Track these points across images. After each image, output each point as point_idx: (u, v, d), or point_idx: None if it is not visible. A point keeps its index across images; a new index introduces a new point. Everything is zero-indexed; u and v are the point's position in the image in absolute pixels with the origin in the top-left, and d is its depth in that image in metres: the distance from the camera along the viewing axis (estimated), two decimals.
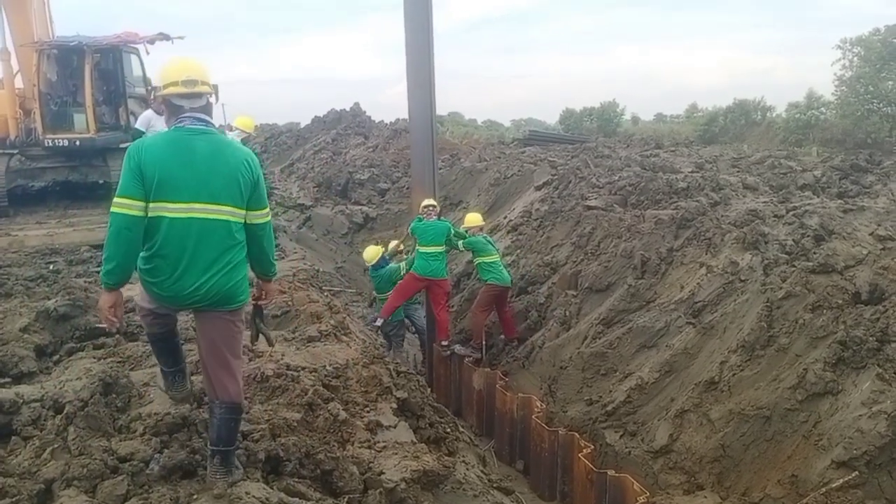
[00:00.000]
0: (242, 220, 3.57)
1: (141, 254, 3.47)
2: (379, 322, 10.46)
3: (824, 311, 6.65)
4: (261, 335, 4.25)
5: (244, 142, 10.03)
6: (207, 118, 3.54)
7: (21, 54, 14.34)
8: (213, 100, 3.64)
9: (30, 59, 14.10)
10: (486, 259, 10.22)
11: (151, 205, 3.36)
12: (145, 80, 14.45)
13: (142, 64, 14.87)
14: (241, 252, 3.61)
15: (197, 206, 3.39)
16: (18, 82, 14.73)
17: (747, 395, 6.51)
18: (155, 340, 4.06)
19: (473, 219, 10.93)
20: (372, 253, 11.45)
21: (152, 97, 10.64)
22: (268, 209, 3.74)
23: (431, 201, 10.49)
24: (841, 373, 6.09)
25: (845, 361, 6.11)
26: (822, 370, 6.12)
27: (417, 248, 10.38)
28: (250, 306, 4.06)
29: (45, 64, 14.20)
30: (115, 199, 3.35)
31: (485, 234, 11.05)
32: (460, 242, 10.47)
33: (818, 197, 10.45)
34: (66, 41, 14.31)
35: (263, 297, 4.09)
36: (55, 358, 5.69)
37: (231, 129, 10.10)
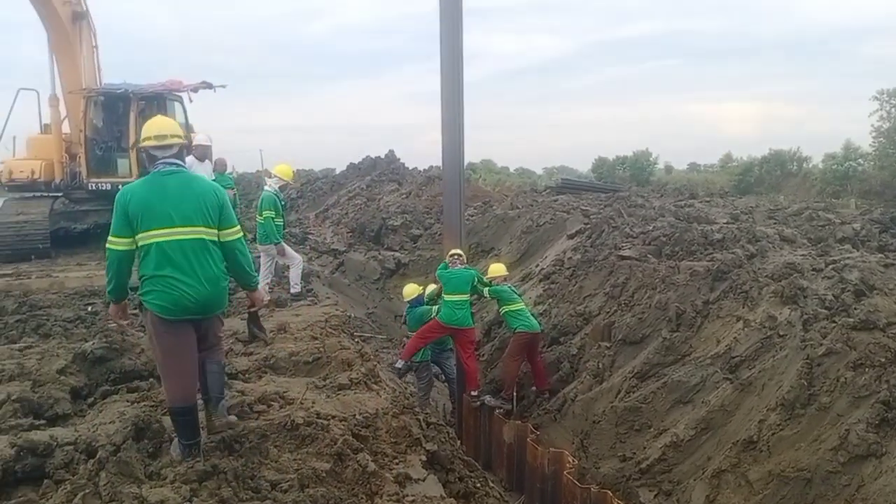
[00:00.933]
0: (216, 238, 4.39)
1: (141, 281, 4.27)
2: (399, 364, 10.43)
3: (866, 369, 6.47)
4: (256, 337, 5.58)
5: (282, 189, 10.23)
6: (178, 161, 4.44)
7: (69, 101, 14.88)
8: (185, 147, 4.70)
9: (77, 105, 14.62)
10: (513, 307, 10.19)
11: (141, 235, 4.21)
12: (188, 127, 14.84)
13: (185, 111, 15.31)
14: (219, 265, 4.40)
15: (176, 229, 4.21)
16: (65, 127, 15.23)
17: (787, 456, 6.31)
18: (177, 414, 4.38)
19: (497, 269, 10.93)
20: (409, 290, 11.69)
21: (193, 144, 10.95)
22: (238, 227, 4.56)
23: (458, 251, 10.57)
24: (885, 434, 5.89)
25: (889, 423, 5.92)
26: (864, 431, 5.92)
27: (443, 295, 10.42)
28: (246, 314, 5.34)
29: (92, 110, 14.70)
30: (109, 238, 4.27)
31: (510, 284, 11.03)
32: (486, 290, 10.46)
33: (858, 250, 10.25)
34: (113, 88, 14.81)
35: (254, 305, 5.17)
36: (90, 400, 5.73)
37: (270, 176, 10.33)
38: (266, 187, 10.27)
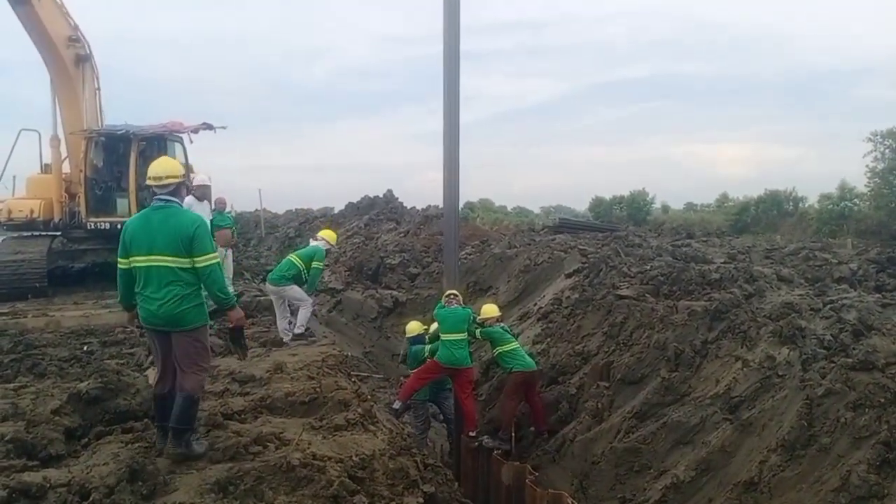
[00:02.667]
0: (185, 265, 5.00)
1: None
2: (397, 405, 10.34)
3: (866, 409, 6.44)
4: (237, 351, 5.77)
5: (327, 252, 10.77)
6: (170, 198, 5.17)
7: (70, 141, 14.99)
8: (183, 184, 5.40)
9: (78, 146, 14.72)
10: (506, 348, 10.17)
11: (131, 258, 5.07)
12: (188, 168, 14.91)
13: (185, 152, 15.40)
14: (186, 288, 5.01)
15: (152, 257, 4.98)
16: (65, 167, 15.32)
17: (789, 498, 6.25)
18: (153, 399, 5.36)
19: (490, 310, 10.90)
20: (411, 326, 11.91)
21: (193, 184, 11.03)
22: (208, 255, 5.05)
23: (453, 291, 10.65)
24: (886, 475, 5.84)
25: (890, 463, 5.88)
26: (866, 472, 5.87)
27: (440, 335, 10.38)
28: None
29: (93, 151, 14.79)
30: (117, 259, 5.20)
31: (502, 325, 11.00)
32: (478, 332, 10.44)
33: (855, 290, 10.27)
34: (114, 129, 14.92)
35: (232, 322, 5.49)
36: (84, 441, 5.67)
37: (316, 239, 10.80)
38: (316, 244, 10.62)
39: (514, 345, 10.30)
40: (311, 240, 11.29)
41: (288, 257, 10.61)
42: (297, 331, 10.13)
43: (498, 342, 10.28)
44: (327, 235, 10.92)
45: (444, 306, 10.43)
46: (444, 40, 10.64)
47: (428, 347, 11.08)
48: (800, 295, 9.68)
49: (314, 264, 10.20)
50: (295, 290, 10.08)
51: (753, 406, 7.47)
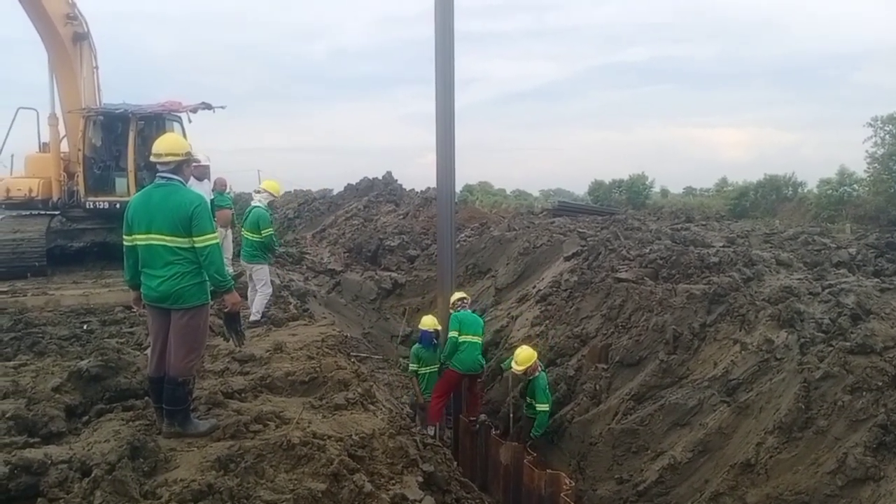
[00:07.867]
0: (183, 244, 4.95)
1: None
2: (430, 430, 9.93)
3: (864, 393, 6.48)
4: (231, 337, 5.65)
5: (270, 205, 10.07)
6: (171, 176, 5.12)
7: (69, 120, 14.88)
8: (187, 163, 5.30)
9: (77, 124, 14.62)
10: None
11: (133, 236, 5.05)
12: None
13: (184, 131, 15.27)
14: (184, 266, 4.97)
15: (151, 235, 4.96)
16: (64, 146, 15.24)
17: (785, 479, 6.30)
18: (148, 382, 5.34)
19: (529, 356, 9.63)
20: (426, 321, 10.98)
21: (192, 164, 10.96)
22: (207, 236, 4.98)
23: (461, 294, 10.71)
24: (882, 458, 5.88)
25: (887, 446, 5.91)
26: (862, 455, 5.92)
27: (460, 336, 9.91)
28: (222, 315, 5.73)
29: (91, 130, 14.69)
30: (123, 236, 5.16)
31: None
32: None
33: (854, 275, 10.28)
34: (112, 108, 14.82)
35: (226, 305, 5.38)
36: (85, 419, 5.69)
37: (259, 192, 10.17)
38: (255, 203, 9.97)
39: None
40: (253, 192, 10.56)
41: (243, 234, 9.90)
42: (252, 318, 9.56)
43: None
44: (269, 187, 10.14)
45: (457, 310, 10.31)
46: (436, 23, 10.59)
47: (445, 355, 10.42)
48: (798, 279, 9.70)
49: (264, 233, 9.54)
50: (263, 272, 9.69)
51: (751, 389, 7.50)
